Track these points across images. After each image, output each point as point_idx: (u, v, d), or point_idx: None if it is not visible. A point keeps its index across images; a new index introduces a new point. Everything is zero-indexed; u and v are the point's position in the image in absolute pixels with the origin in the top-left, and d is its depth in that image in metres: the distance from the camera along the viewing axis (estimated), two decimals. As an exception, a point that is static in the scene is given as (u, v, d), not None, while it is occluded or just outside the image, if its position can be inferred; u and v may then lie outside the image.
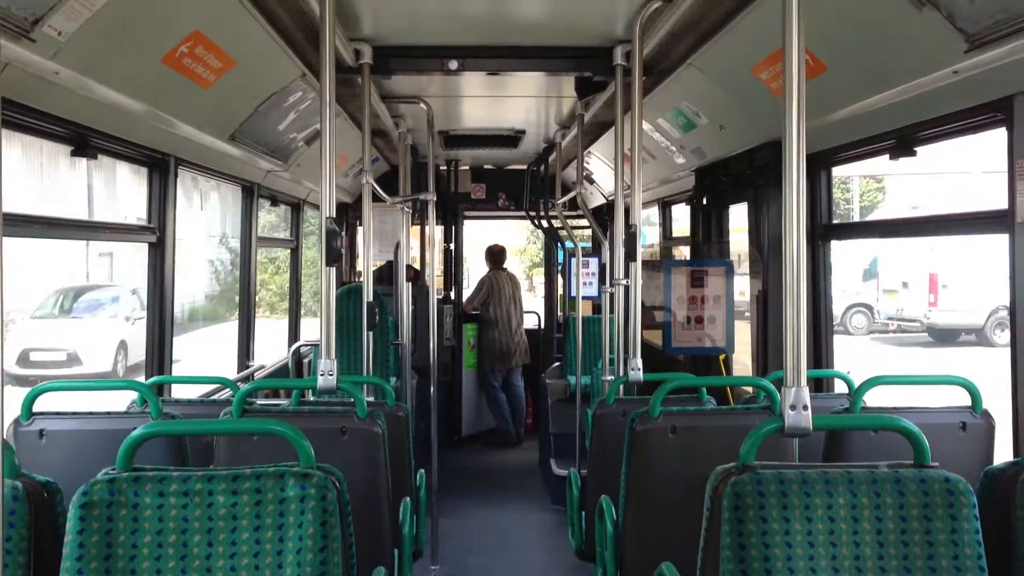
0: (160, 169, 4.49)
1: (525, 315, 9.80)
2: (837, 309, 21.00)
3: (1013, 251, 3.07)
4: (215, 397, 4.87)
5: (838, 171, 4.70)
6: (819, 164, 4.49)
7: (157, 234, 4.51)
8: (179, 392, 4.72)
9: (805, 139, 2.24)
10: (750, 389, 4.90)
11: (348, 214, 9.34)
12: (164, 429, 2.81)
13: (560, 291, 9.71)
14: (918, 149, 3.80)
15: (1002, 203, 3.09)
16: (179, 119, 3.96)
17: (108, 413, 3.40)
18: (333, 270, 3.34)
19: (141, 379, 4.27)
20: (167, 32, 3.32)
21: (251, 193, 5.96)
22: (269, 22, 3.83)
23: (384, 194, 5.53)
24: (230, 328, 7.28)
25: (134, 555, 2.09)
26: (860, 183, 28.03)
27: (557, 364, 8.40)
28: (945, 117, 3.43)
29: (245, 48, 3.88)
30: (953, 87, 3.11)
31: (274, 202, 6.68)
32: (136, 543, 2.10)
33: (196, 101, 3.92)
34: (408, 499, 3.72)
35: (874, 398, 3.66)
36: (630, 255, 4.14)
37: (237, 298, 6.35)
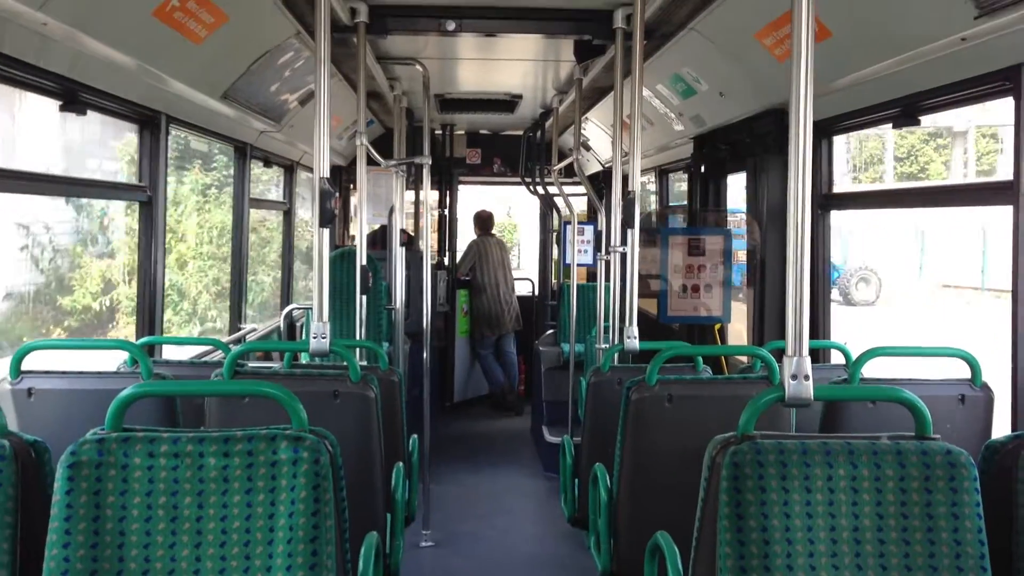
0: (151, 127, 4.40)
1: (519, 282, 9.76)
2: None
3: (1017, 223, 3.04)
4: (207, 359, 4.82)
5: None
6: (821, 132, 4.43)
7: (148, 193, 4.44)
8: (170, 353, 4.68)
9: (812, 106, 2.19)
10: (745, 359, 4.88)
11: (342, 177, 9.24)
12: (154, 389, 2.77)
13: (555, 258, 9.67)
14: (923, 118, 3.75)
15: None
16: (170, 75, 3.88)
17: (99, 373, 3.35)
18: (326, 232, 3.29)
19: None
20: (158, -16, 3.24)
21: (244, 154, 5.88)
22: None
23: (379, 157, 5.46)
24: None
25: (123, 516, 2.05)
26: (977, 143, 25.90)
27: (551, 332, 8.38)
28: (952, 85, 3.37)
29: (238, 3, 3.79)
30: (961, 54, 3.05)
31: (267, 163, 6.59)
32: (125, 504, 2.06)
33: (188, 57, 3.84)
34: (401, 464, 3.70)
35: (870, 370, 3.64)
36: (628, 222, 4.10)
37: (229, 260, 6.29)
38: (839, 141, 4.43)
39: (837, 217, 4.48)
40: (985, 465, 2.30)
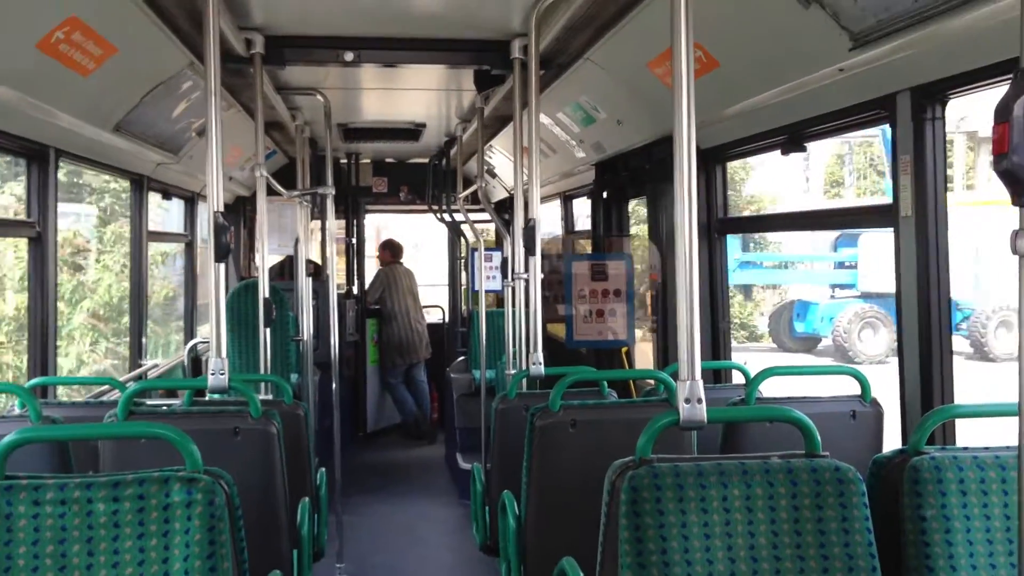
0: (39, 161, 4.26)
1: (429, 309, 9.73)
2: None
3: (898, 244, 3.18)
4: (104, 399, 4.67)
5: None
6: (713, 159, 4.57)
7: (37, 228, 4.29)
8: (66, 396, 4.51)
9: (695, 135, 2.24)
10: (651, 381, 4.97)
11: (245, 208, 9.08)
12: (38, 435, 2.66)
13: (463, 285, 9.67)
14: (808, 144, 3.90)
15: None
16: (58, 108, 3.77)
17: None
18: (223, 266, 3.23)
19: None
20: (41, 17, 3.14)
21: (140, 186, 5.73)
22: (152, 8, 3.66)
23: (281, 188, 5.39)
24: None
25: (8, 567, 1.98)
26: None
27: (462, 358, 8.37)
28: (833, 113, 3.52)
29: (127, 35, 3.71)
30: (840, 84, 3.19)
31: (166, 195, 6.44)
32: (11, 554, 1.99)
33: (75, 90, 3.74)
34: (307, 499, 3.64)
35: (775, 389, 3.75)
36: (529, 249, 4.13)
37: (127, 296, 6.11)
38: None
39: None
40: (873, 480, 2.38)
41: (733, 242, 18.03)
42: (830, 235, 18.35)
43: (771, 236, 21.00)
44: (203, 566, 2.03)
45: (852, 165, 25.73)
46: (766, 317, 20.54)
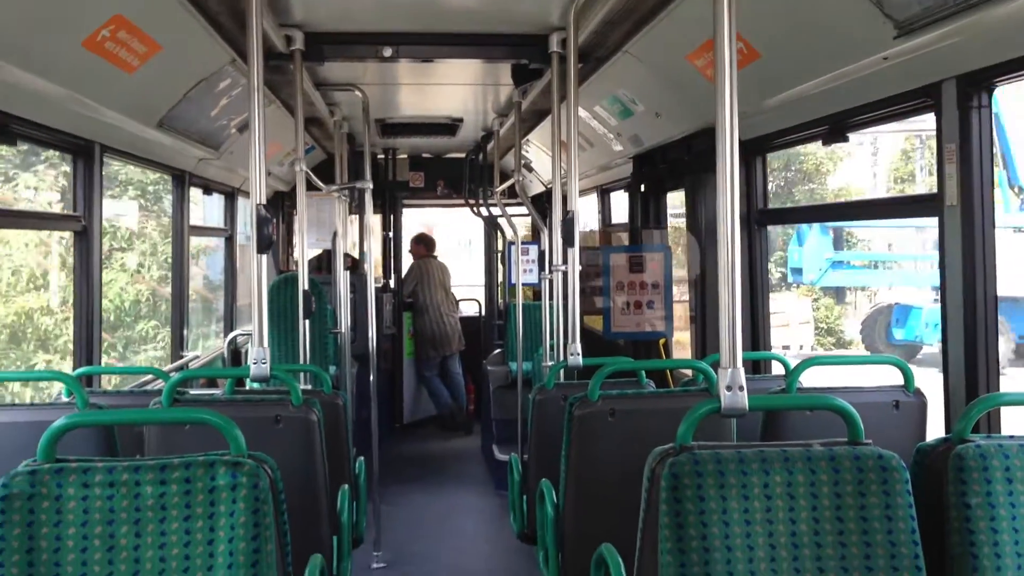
0: (84, 156, 4.35)
1: (465, 303, 9.77)
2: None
3: (943, 234, 3.14)
4: (147, 388, 4.75)
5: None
6: (754, 150, 4.54)
7: (83, 223, 4.38)
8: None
9: (738, 126, 2.25)
10: (690, 372, 4.96)
11: (284, 203, 9.19)
12: (86, 419, 2.72)
13: (500, 278, 9.70)
14: (851, 135, 3.87)
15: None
16: (103, 105, 3.84)
17: (32, 405, 3.30)
18: (264, 257, 3.28)
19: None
20: (87, 15, 3.21)
21: (182, 181, 5.82)
22: (195, 6, 3.72)
23: (320, 183, 5.45)
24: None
25: (58, 548, 2.03)
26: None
27: (499, 351, 8.40)
28: (877, 103, 3.49)
29: (170, 33, 3.77)
30: (884, 73, 3.16)
31: (207, 190, 6.53)
32: (60, 535, 2.04)
33: (120, 87, 3.81)
34: (347, 486, 3.68)
35: (816, 380, 3.72)
36: (568, 241, 4.14)
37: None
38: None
39: None
40: (917, 468, 2.37)
41: (824, 240, 16.63)
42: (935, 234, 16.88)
43: (863, 233, 19.38)
44: (247, 548, 2.07)
45: (923, 160, 25.07)
46: (857, 321, 19.02)
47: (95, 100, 3.75)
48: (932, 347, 16.40)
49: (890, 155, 24.57)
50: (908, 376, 3.45)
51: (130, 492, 2.09)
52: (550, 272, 4.62)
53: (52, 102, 3.56)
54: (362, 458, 4.41)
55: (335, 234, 6.25)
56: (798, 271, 17.69)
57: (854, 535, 2.14)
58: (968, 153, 2.99)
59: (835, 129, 3.83)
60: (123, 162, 4.95)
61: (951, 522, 2.22)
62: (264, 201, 3.30)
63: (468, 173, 8.72)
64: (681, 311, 5.68)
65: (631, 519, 2.32)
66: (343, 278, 5.92)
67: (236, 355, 6.70)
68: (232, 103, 5.11)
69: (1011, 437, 2.29)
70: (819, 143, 3.99)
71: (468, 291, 10.84)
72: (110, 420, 3.01)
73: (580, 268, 4.27)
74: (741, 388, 2.21)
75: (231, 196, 7.21)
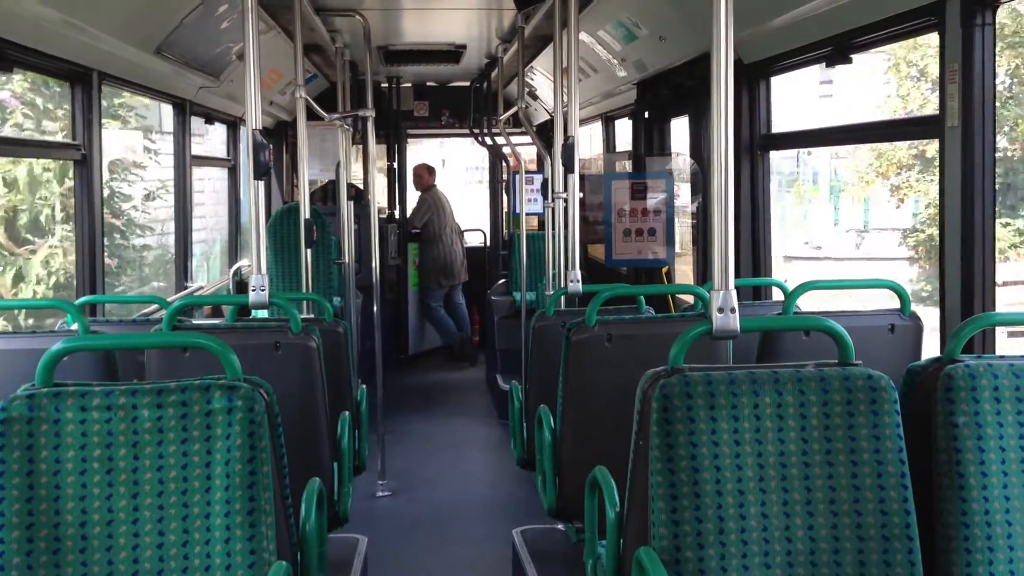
0: (83, 84, 4.31)
1: (471, 233, 9.76)
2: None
3: (943, 156, 3.11)
4: (150, 317, 4.79)
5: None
6: (757, 74, 4.46)
7: (83, 151, 4.37)
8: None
9: (741, 49, 2.21)
10: (690, 299, 4.96)
11: (287, 132, 9.12)
12: (85, 344, 2.75)
13: (505, 208, 9.67)
14: (854, 56, 3.80)
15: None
16: (100, 30, 3.80)
17: (33, 332, 3.33)
18: (261, 184, 3.27)
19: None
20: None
21: (183, 110, 5.78)
22: None
23: (321, 111, 5.40)
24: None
25: (57, 470, 2.07)
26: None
27: (503, 281, 8.41)
28: (880, 22, 3.42)
29: (165, -46, 3.71)
30: (887, -9, 3.10)
31: (208, 120, 6.49)
32: (59, 458, 2.07)
33: (117, 11, 3.77)
34: (347, 413, 3.72)
35: (809, 304, 3.72)
36: (568, 167, 4.11)
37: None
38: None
39: None
40: (907, 388, 2.37)
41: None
42: None
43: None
44: (243, 469, 2.11)
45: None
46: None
47: (91, 25, 3.71)
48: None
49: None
50: (904, 299, 3.45)
51: (127, 416, 2.12)
52: (552, 200, 4.60)
53: (48, 28, 3.52)
54: (364, 386, 4.46)
55: (338, 164, 6.22)
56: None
57: (841, 454, 2.16)
58: (970, 73, 2.94)
59: (838, 50, 3.76)
60: (121, 89, 4.91)
61: (938, 441, 2.23)
62: (260, 127, 3.27)
63: (473, 102, 8.63)
64: (687, 241, 5.67)
65: (625, 443, 2.34)
66: (347, 208, 5.91)
67: (241, 286, 6.74)
68: (232, 29, 5.05)
69: (1001, 357, 2.29)
70: (822, 65, 3.92)
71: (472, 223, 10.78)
72: (108, 344, 3.04)
73: (582, 196, 4.25)
74: (733, 310, 2.21)
75: (233, 126, 7.17)
